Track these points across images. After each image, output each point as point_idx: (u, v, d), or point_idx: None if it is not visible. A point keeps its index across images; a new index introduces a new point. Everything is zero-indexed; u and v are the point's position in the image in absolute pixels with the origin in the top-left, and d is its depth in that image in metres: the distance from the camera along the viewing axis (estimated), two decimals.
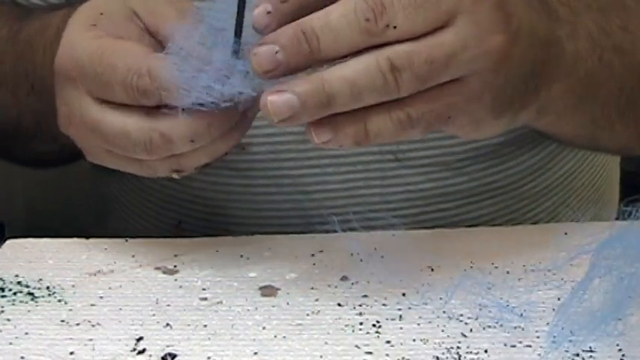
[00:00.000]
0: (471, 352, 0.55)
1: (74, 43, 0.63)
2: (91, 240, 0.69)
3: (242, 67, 0.58)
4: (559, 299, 0.61)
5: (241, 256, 0.67)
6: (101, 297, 0.62)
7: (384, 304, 0.60)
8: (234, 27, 0.58)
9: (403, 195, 0.78)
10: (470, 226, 0.78)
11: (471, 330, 0.57)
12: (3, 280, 0.64)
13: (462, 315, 0.59)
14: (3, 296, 0.62)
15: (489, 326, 0.58)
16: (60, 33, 0.66)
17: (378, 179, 0.77)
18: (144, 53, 0.61)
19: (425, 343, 0.56)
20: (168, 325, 0.58)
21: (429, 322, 0.58)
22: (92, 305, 0.61)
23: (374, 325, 0.58)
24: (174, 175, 0.63)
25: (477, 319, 0.58)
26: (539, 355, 0.55)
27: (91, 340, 0.57)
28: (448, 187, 0.79)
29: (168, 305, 0.61)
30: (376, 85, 0.56)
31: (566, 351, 0.55)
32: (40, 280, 0.64)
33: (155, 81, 0.59)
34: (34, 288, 0.63)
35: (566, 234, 0.70)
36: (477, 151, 0.79)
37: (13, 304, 0.61)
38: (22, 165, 0.84)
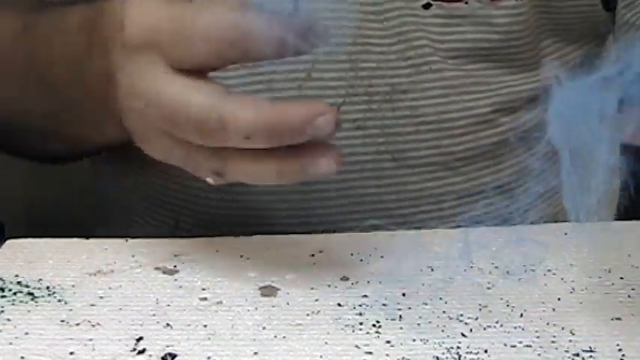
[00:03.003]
0: (470, 352, 0.55)
1: (145, 9, 0.61)
2: (91, 240, 0.69)
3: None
4: (559, 299, 0.61)
5: (241, 256, 0.67)
6: (101, 297, 0.62)
7: (384, 304, 0.60)
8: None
9: (400, 195, 0.78)
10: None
11: (471, 330, 0.57)
12: (3, 280, 0.64)
13: (462, 315, 0.59)
14: (3, 296, 0.62)
15: (489, 326, 0.58)
16: (83, 28, 0.65)
17: (375, 179, 0.77)
18: (228, 7, 0.58)
19: (425, 343, 0.56)
20: (168, 325, 0.58)
21: (429, 322, 0.58)
22: (92, 305, 0.61)
23: (374, 325, 0.58)
24: (211, 180, 0.61)
25: (476, 319, 0.58)
26: (539, 355, 0.55)
27: (91, 340, 0.57)
28: (445, 187, 0.79)
29: (169, 305, 0.61)
30: None
31: (566, 351, 0.55)
32: (40, 280, 0.64)
33: (245, 30, 0.56)
34: (34, 288, 0.63)
35: (566, 234, 0.70)
36: (474, 151, 0.79)
37: (13, 304, 0.61)
38: (37, 161, 0.82)
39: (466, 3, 0.77)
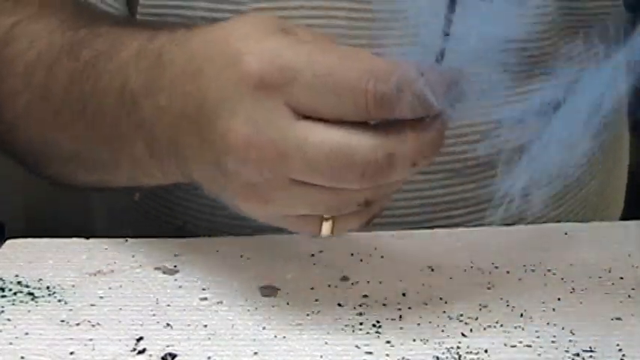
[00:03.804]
0: (470, 352, 0.55)
1: (275, 46, 0.53)
2: (91, 240, 0.69)
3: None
4: (559, 299, 0.61)
5: (241, 256, 0.67)
6: (101, 297, 0.62)
7: (384, 304, 0.60)
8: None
9: (413, 201, 0.77)
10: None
11: (471, 330, 0.57)
12: (3, 280, 0.64)
13: (462, 315, 0.59)
14: (3, 296, 0.62)
15: (489, 326, 0.58)
16: (140, 57, 0.60)
17: None
18: (375, 57, 0.52)
19: (425, 343, 0.56)
20: (168, 325, 0.58)
21: (429, 322, 0.58)
22: (92, 305, 0.61)
23: (374, 325, 0.58)
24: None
25: (476, 319, 0.58)
26: (539, 355, 0.55)
27: (91, 340, 0.57)
28: (458, 194, 0.78)
29: (169, 305, 0.61)
30: None
31: (566, 351, 0.55)
32: (40, 280, 0.64)
33: (398, 85, 0.51)
34: (34, 288, 0.63)
35: (566, 234, 0.70)
36: (487, 158, 0.79)
37: (13, 304, 0.61)
38: (56, 185, 0.76)
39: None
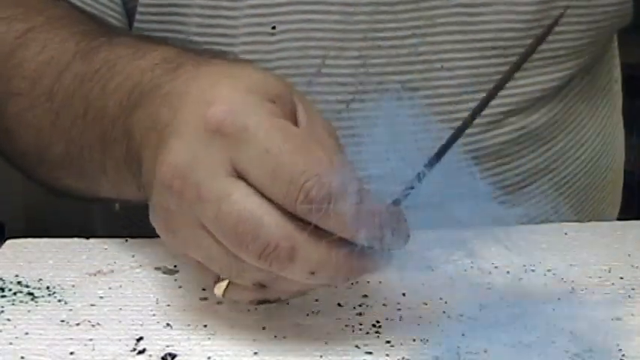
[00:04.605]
0: (471, 352, 0.55)
1: (247, 107, 0.54)
2: (91, 240, 0.69)
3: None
4: (559, 299, 0.61)
5: None
6: (101, 297, 0.62)
7: (384, 304, 0.60)
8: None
9: None
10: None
11: (471, 330, 0.57)
12: (3, 280, 0.64)
13: (462, 315, 0.59)
14: (3, 296, 0.62)
15: (489, 326, 0.58)
16: (159, 66, 0.60)
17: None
18: (332, 161, 0.53)
19: (425, 343, 0.56)
20: (168, 325, 0.58)
21: (429, 322, 0.58)
22: (92, 305, 0.61)
23: (374, 325, 0.58)
24: (252, 303, 0.57)
25: (476, 319, 0.58)
26: (539, 355, 0.55)
27: (91, 340, 0.57)
28: None
29: (169, 305, 0.61)
30: None
31: (566, 351, 0.55)
32: (40, 280, 0.64)
33: (331, 197, 0.51)
34: (34, 288, 0.63)
35: (566, 234, 0.70)
36: (481, 152, 0.79)
37: (13, 304, 0.61)
38: (46, 190, 0.77)
39: None
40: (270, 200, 0.52)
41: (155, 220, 0.57)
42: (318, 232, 0.52)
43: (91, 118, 0.65)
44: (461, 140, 0.57)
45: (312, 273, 0.52)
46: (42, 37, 0.72)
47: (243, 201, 0.52)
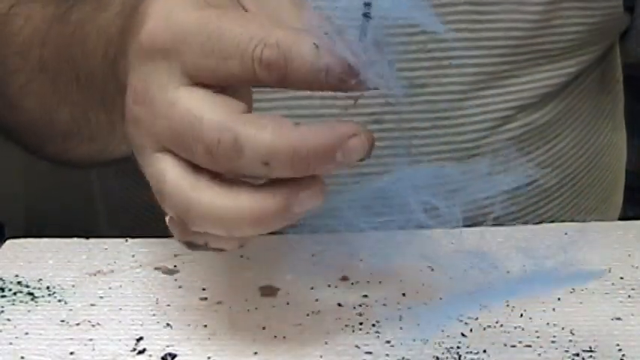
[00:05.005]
0: (470, 352, 0.55)
1: (172, 11, 0.53)
2: (91, 240, 0.69)
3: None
4: (559, 299, 0.61)
5: (241, 256, 0.67)
6: (101, 297, 0.62)
7: (384, 304, 0.60)
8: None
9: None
10: (478, 223, 0.78)
11: (471, 330, 0.57)
12: (3, 280, 0.64)
13: (461, 315, 0.59)
14: (3, 296, 0.62)
15: (489, 326, 0.58)
16: (120, 15, 0.60)
17: (388, 173, 0.77)
18: (271, 23, 0.51)
19: (425, 343, 0.56)
20: (168, 325, 0.58)
21: (429, 322, 0.58)
22: (92, 305, 0.61)
23: (374, 325, 0.58)
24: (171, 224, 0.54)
25: (476, 319, 0.58)
26: (539, 355, 0.55)
27: (91, 340, 0.57)
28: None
29: (168, 305, 0.61)
30: None
31: (566, 351, 0.55)
32: (40, 280, 0.64)
33: (286, 52, 0.49)
34: (34, 288, 0.63)
35: (566, 234, 0.70)
36: (487, 147, 0.79)
37: (13, 304, 0.61)
38: (56, 164, 0.77)
39: None
40: (222, 97, 0.51)
41: (136, 153, 0.56)
42: (263, 119, 0.50)
43: (84, 81, 0.66)
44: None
45: (266, 163, 0.50)
46: (25, 9, 0.72)
47: (188, 105, 0.51)
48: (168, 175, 0.52)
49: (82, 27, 0.65)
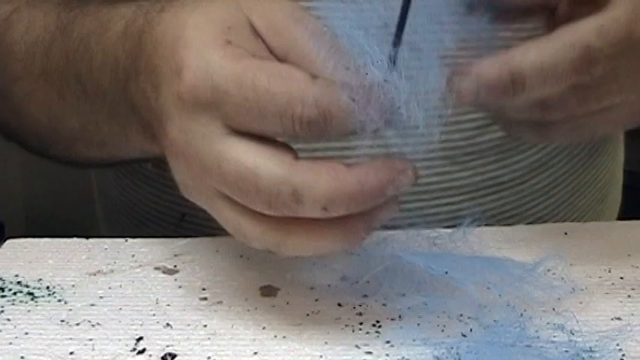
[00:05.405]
0: (471, 352, 0.55)
1: (210, 64, 0.54)
2: (91, 240, 0.69)
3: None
4: (559, 299, 0.61)
5: (241, 256, 0.67)
6: (101, 297, 0.62)
7: (384, 304, 0.60)
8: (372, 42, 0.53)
9: (408, 189, 0.78)
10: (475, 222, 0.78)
11: (471, 330, 0.57)
12: (3, 280, 0.64)
13: (461, 315, 0.59)
14: (3, 296, 0.62)
15: (489, 326, 0.58)
16: (126, 37, 0.61)
17: None
18: (307, 78, 0.53)
19: (425, 343, 0.56)
20: (168, 325, 0.58)
21: (429, 322, 0.58)
22: (92, 305, 0.61)
23: (374, 325, 0.58)
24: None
25: (476, 319, 0.58)
26: (539, 355, 0.55)
27: (91, 340, 0.57)
28: (453, 182, 0.78)
29: (169, 305, 0.61)
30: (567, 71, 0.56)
31: (566, 351, 0.55)
32: (40, 280, 0.64)
33: (325, 112, 0.52)
34: (34, 288, 0.63)
35: (566, 234, 0.70)
36: (482, 146, 0.79)
37: (13, 304, 0.61)
38: (59, 163, 0.78)
39: None
40: (269, 144, 0.53)
41: (183, 191, 0.58)
42: (316, 166, 0.52)
43: (93, 95, 0.66)
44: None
45: (325, 209, 0.52)
46: (27, 16, 0.72)
47: (239, 157, 0.53)
48: (243, 224, 0.55)
49: (86, 44, 0.65)
